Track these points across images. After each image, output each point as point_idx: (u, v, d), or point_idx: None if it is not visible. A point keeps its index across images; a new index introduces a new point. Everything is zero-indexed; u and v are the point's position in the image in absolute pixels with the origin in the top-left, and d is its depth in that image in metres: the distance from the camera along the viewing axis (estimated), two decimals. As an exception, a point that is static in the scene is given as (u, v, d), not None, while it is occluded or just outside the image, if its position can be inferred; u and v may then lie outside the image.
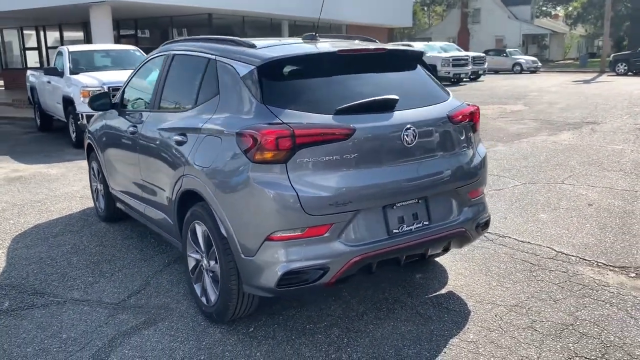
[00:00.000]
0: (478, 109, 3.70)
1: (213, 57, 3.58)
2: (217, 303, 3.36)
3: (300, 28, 25.97)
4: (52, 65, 12.31)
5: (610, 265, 4.23)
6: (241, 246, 3.06)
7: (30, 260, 4.71)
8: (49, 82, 11.71)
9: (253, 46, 3.41)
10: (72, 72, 10.93)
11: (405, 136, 3.15)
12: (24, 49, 26.21)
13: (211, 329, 3.44)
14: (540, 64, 36.37)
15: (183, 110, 3.82)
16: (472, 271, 4.20)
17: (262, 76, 3.15)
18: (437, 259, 4.41)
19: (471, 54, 27.45)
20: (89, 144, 5.73)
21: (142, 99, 4.62)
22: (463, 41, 47.69)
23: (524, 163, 8.01)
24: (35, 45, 25.54)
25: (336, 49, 3.32)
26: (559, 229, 5.09)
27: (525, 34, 54.29)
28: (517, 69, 34.80)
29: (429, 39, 49.28)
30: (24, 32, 26.02)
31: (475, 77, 27.39)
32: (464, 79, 26.17)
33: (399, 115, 3.19)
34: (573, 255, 4.44)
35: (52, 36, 25.73)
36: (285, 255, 2.96)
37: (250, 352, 3.18)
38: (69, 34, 25.59)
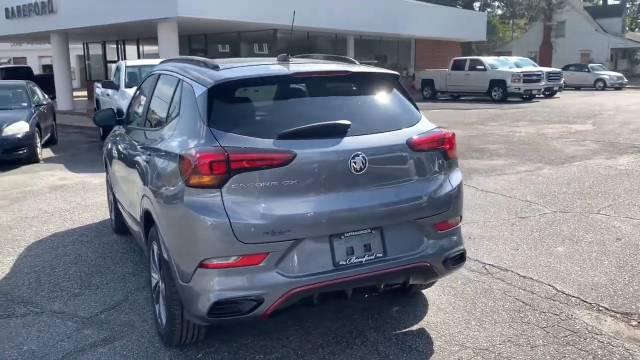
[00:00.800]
0: (452, 135, 3.46)
1: (181, 77, 3.58)
2: (166, 327, 3.32)
3: (366, 43, 25.96)
4: (111, 79, 12.96)
5: (612, 311, 3.81)
6: (179, 271, 3.02)
7: (32, 269, 4.90)
8: (107, 94, 12.33)
9: (216, 67, 3.38)
10: (127, 86, 11.44)
11: (353, 163, 2.99)
12: (105, 62, 27.84)
13: (162, 352, 3.40)
14: (626, 80, 34.11)
15: (155, 129, 3.85)
16: (455, 307, 3.93)
17: (212, 98, 3.10)
18: (424, 291, 4.16)
19: (545, 69, 26.19)
20: (104, 156, 5.93)
21: (136, 116, 4.72)
22: (545, 55, 45.75)
23: (564, 189, 7.47)
24: (115, 58, 27.08)
25: (292, 72, 3.21)
26: (571, 264, 4.67)
27: (614, 47, 51.23)
28: (599, 85, 32.82)
29: (509, 53, 47.62)
30: (107, 45, 27.68)
31: (550, 93, 26.12)
32: (537, 95, 25.01)
33: (349, 142, 3.03)
34: (574, 296, 4.04)
35: (132, 50, 27.20)
36: (217, 284, 2.88)
37: (190, 379, 3.10)
38: (147, 48, 26.97)
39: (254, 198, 2.86)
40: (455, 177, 3.47)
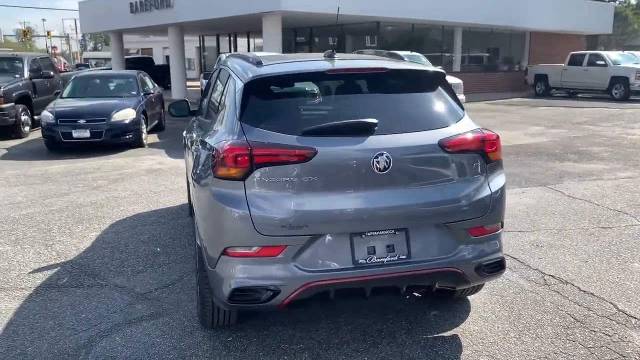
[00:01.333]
0: (495, 137, 3.30)
1: (231, 72, 3.73)
2: (199, 309, 3.51)
3: (475, 35, 25.00)
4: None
5: (676, 338, 3.44)
6: (207, 257, 3.17)
7: (109, 245, 5.35)
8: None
9: (259, 63, 3.48)
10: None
11: (376, 162, 2.95)
12: (218, 54, 29.27)
13: (197, 332, 3.59)
14: None
15: (209, 120, 4.05)
16: (498, 316, 3.75)
17: (246, 93, 3.21)
18: (469, 297, 4.02)
19: (678, 65, 23.67)
20: (183, 144, 6.30)
21: (202, 107, 4.97)
22: (684, 50, 41.26)
23: (665, 199, 6.78)
24: (227, 50, 28.42)
25: (325, 68, 3.23)
26: (644, 283, 4.27)
27: None
28: None
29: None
30: (220, 38, 29.11)
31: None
32: (666, 94, 22.69)
33: (373, 140, 3.00)
34: (635, 317, 3.70)
35: (243, 42, 28.40)
36: (238, 272, 2.99)
37: (214, 360, 3.26)
38: (257, 41, 28.01)
39: (275, 192, 2.93)
40: (497, 182, 3.31)
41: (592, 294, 4.07)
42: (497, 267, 3.31)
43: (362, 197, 2.99)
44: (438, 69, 3.50)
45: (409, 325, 3.64)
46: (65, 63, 54.70)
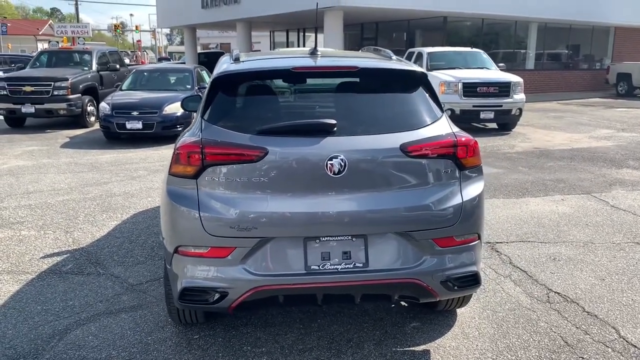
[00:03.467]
0: (472, 143, 3.07)
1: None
2: (166, 305, 3.52)
3: (552, 31, 23.73)
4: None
5: (675, 372, 3.07)
6: (165, 254, 3.16)
7: (122, 234, 5.51)
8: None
9: (237, 60, 3.43)
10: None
11: (330, 165, 2.82)
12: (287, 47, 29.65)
13: (168, 328, 3.61)
14: None
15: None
16: (482, 333, 3.51)
17: (212, 90, 3.17)
18: (458, 310, 3.79)
19: None
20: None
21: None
22: None
23: None
24: (296, 45, 28.68)
25: (291, 66, 3.12)
26: (662, 307, 3.85)
27: None
28: None
29: None
30: (289, 33, 29.41)
31: None
32: None
33: (329, 142, 2.86)
34: (637, 347, 3.34)
35: (311, 38, 28.54)
36: (188, 271, 2.96)
37: (174, 358, 3.26)
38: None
39: (225, 192, 2.87)
40: (472, 190, 3.08)
41: (595, 315, 3.72)
42: (469, 281, 3.09)
43: (316, 200, 2.87)
44: (419, 68, 3.29)
45: (382, 336, 3.48)
46: (147, 56, 57.37)
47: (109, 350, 3.34)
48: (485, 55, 14.20)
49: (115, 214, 6.23)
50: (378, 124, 3.05)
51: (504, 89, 12.32)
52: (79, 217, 6.11)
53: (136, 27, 62.72)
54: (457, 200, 3.01)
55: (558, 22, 23.14)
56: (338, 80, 3.24)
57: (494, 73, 13.16)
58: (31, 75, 13.31)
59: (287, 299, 2.97)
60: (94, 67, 14.41)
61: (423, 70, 3.27)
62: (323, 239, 2.90)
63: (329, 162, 2.83)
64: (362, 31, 24.28)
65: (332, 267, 2.90)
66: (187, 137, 3.02)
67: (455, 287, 3.06)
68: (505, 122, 12.76)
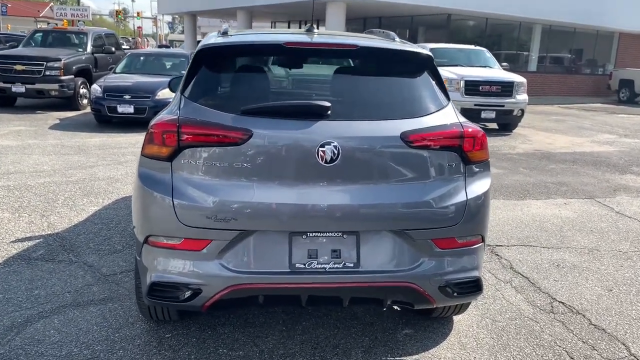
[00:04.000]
0: (480, 135, 2.77)
1: None
2: (137, 300, 3.22)
3: (556, 34, 23.44)
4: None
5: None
6: (136, 243, 2.86)
7: (102, 220, 5.20)
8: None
9: (224, 34, 3.11)
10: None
11: (322, 152, 2.52)
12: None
13: (139, 324, 3.31)
14: None
15: None
16: (480, 344, 3.22)
17: (195, 64, 2.86)
18: (455, 318, 3.50)
19: None
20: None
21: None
22: None
23: None
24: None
25: (283, 41, 2.81)
26: (674, 323, 3.57)
27: None
28: None
29: None
30: (291, 25, 29.00)
31: None
32: None
33: (321, 127, 2.56)
34: (648, 365, 3.06)
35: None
36: (159, 264, 2.67)
37: (141, 359, 2.96)
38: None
39: (202, 177, 2.57)
40: (477, 187, 2.78)
41: (603, 329, 3.44)
42: (470, 288, 2.80)
43: (305, 191, 2.57)
44: (425, 51, 2.98)
45: (371, 343, 3.19)
46: (148, 43, 56.81)
47: (71, 347, 3.04)
48: (488, 54, 13.91)
49: (96, 198, 5.92)
50: (377, 110, 2.74)
51: (507, 88, 12.03)
52: (58, 200, 5.80)
53: (137, 13, 62.10)
54: (461, 197, 2.71)
55: (563, 25, 22.86)
56: (335, 60, 2.93)
57: (497, 72, 12.86)
58: (23, 54, 12.94)
59: (268, 299, 2.67)
60: (89, 48, 14.05)
61: (429, 52, 2.96)
62: (311, 234, 2.60)
63: (320, 149, 2.53)
64: (364, 26, 23.93)
65: (320, 266, 2.60)
66: (164, 115, 2.72)
67: (455, 294, 2.76)
68: (507, 123, 12.47)
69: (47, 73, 12.39)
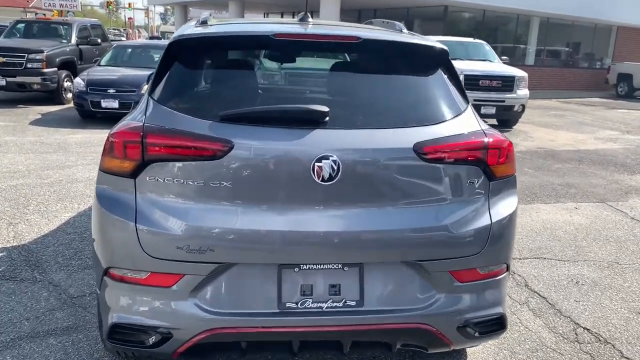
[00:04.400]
0: (506, 144, 2.32)
1: None
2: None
3: (554, 27, 23.02)
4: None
5: None
6: (96, 273, 2.40)
7: (75, 230, 4.73)
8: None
9: (203, 23, 2.64)
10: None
11: (318, 168, 2.06)
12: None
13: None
14: None
15: None
16: (499, 384, 2.79)
17: (168, 59, 2.39)
18: (469, 350, 3.07)
19: None
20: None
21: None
22: None
23: None
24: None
25: (274, 32, 2.34)
26: None
27: None
28: None
29: None
30: (284, 16, 28.44)
31: None
32: None
33: (319, 137, 2.11)
34: (695, 411, 2.64)
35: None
36: (121, 301, 2.21)
37: (105, 406, 2.50)
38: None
39: (171, 199, 2.12)
40: (503, 207, 2.34)
41: (637, 363, 3.02)
42: (493, 326, 2.37)
43: (297, 215, 2.12)
44: (440, 45, 2.53)
45: (375, 384, 2.75)
46: (140, 34, 55.99)
47: (22, 392, 2.58)
48: (488, 47, 13.47)
49: (72, 203, 5.44)
50: (385, 116, 2.29)
51: (508, 83, 11.60)
52: (29, 205, 5.31)
53: (129, 4, 61.15)
54: (484, 220, 2.27)
55: (561, 18, 22.43)
56: (334, 55, 2.47)
57: (497, 66, 12.43)
58: (4, 45, 12.35)
59: (253, 346, 2.23)
60: (74, 40, 13.49)
61: (444, 46, 2.50)
62: (304, 267, 2.16)
63: (316, 164, 2.07)
64: (359, 19, 23.39)
65: (315, 305, 2.16)
66: (127, 121, 2.26)
67: (475, 334, 2.33)
68: (507, 119, 12.05)
69: (29, 65, 11.84)
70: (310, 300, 2.15)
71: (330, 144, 2.09)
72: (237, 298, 2.15)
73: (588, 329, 3.38)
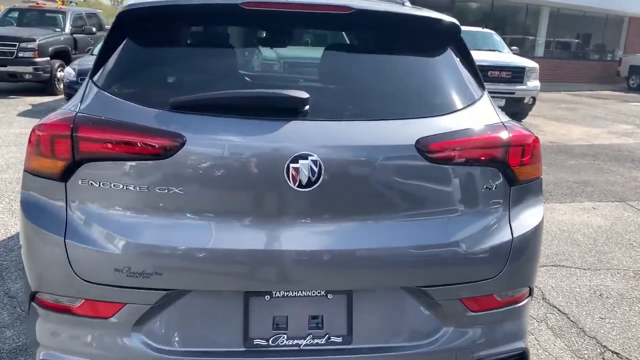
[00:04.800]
0: (529, 139, 1.87)
1: None
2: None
3: (564, 18, 22.39)
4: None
5: None
6: (24, 296, 1.97)
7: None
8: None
9: None
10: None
11: (293, 170, 1.62)
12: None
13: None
14: None
15: None
16: None
17: (114, 36, 1.94)
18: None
19: None
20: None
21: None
22: None
23: None
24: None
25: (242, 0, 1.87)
26: None
27: None
28: None
29: None
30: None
31: None
32: None
33: (295, 131, 1.67)
34: None
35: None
36: (50, 334, 1.78)
37: None
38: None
39: (109, 209, 1.68)
40: (527, 218, 1.89)
41: (679, 398, 2.57)
42: (515, 362, 1.92)
43: (267, 230, 1.68)
44: (450, 18, 2.07)
45: None
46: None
47: None
48: (497, 37, 12.95)
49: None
50: (380, 105, 1.85)
51: (518, 74, 11.09)
52: (0, 203, 4.89)
53: (133, -5, 60.56)
54: (504, 235, 1.82)
55: (571, 8, 21.82)
56: (318, 29, 2.02)
57: (506, 56, 11.91)
58: (-6, 33, 11.96)
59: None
60: (68, 29, 13.07)
61: (454, 20, 2.04)
62: (277, 294, 1.72)
63: (291, 165, 1.63)
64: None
65: (291, 342, 1.72)
66: (59, 111, 1.81)
67: (492, 374, 1.88)
68: (516, 112, 11.50)
69: (20, 54, 11.43)
70: (285, 336, 1.72)
71: (310, 140, 1.65)
72: (192, 333, 1.71)
73: (617, 353, 2.93)
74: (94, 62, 1.92)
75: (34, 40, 11.56)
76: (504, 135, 1.82)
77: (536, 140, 1.92)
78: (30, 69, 11.49)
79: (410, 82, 1.94)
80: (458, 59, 2.03)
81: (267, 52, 2.07)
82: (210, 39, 2.09)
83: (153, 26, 1.95)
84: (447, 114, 1.82)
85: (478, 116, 1.86)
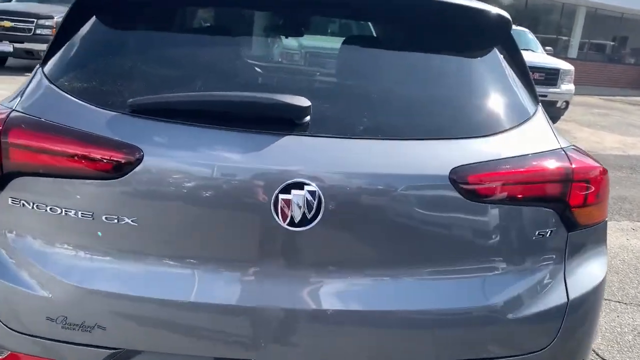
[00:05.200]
0: (597, 171, 1.45)
1: None
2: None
3: (601, 19, 21.59)
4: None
5: None
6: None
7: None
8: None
9: None
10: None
11: (283, 203, 1.21)
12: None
13: None
14: None
15: None
16: None
17: (71, 19, 1.57)
18: None
19: None
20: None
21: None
22: None
23: None
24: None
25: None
26: None
27: None
28: None
29: None
30: None
31: None
32: None
33: (290, 149, 1.27)
34: None
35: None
36: (-31, 391, 1.40)
37: None
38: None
39: (44, 239, 1.29)
40: (586, 275, 1.47)
41: None
42: None
43: (247, 279, 1.28)
44: (501, 11, 1.64)
45: None
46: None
47: None
48: (531, 36, 12.36)
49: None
50: (405, 119, 1.43)
51: (552, 76, 10.53)
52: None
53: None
54: (557, 297, 1.41)
55: (610, 9, 20.99)
56: (323, 19, 1.59)
57: (540, 57, 11.34)
58: (13, 8, 11.76)
59: None
60: (88, 6, 12.82)
61: (505, 14, 1.61)
62: (258, 362, 1.31)
63: (281, 195, 1.22)
64: None
65: None
66: None
67: None
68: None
69: (38, 32, 11.21)
70: (263, 417, 1.32)
71: (308, 163, 1.24)
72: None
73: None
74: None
75: (52, 18, 11.31)
76: (565, 165, 1.40)
77: (604, 172, 1.49)
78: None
79: (445, 91, 1.51)
80: (507, 63, 1.60)
81: (262, 43, 1.66)
82: (186, 22, 1.69)
83: (124, 6, 1.55)
84: (491, 134, 1.40)
85: (531, 139, 1.44)
